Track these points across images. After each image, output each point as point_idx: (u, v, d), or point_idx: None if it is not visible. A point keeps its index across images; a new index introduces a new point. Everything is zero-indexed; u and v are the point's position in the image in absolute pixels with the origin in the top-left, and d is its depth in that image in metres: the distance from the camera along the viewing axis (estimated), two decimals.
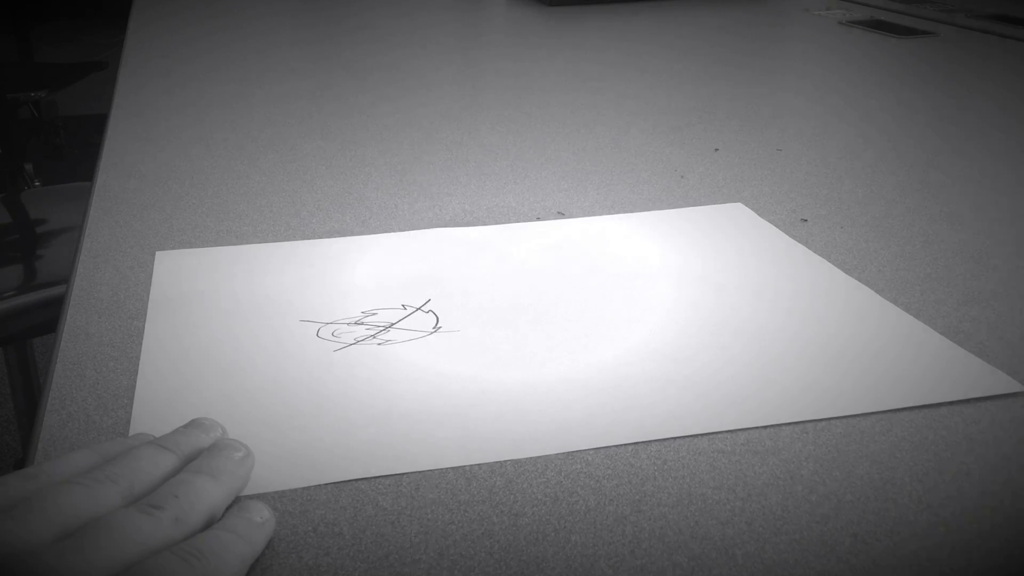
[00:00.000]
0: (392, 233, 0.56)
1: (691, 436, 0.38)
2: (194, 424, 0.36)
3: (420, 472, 0.35)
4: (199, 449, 0.35)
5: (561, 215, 0.60)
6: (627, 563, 0.31)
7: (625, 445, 0.37)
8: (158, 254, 0.53)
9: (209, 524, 0.31)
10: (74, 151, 3.01)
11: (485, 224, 0.58)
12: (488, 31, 1.26)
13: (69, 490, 0.30)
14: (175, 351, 0.43)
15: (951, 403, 0.40)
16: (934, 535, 0.32)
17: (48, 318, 1.12)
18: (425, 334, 0.45)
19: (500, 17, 1.31)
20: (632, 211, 0.60)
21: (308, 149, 0.71)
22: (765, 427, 0.38)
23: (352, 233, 0.57)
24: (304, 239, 0.56)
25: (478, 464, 0.36)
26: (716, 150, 0.72)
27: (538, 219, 0.59)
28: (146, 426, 0.38)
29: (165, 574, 0.27)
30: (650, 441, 0.37)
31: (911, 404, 0.39)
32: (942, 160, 0.71)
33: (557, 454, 0.36)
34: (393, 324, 0.46)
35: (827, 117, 0.82)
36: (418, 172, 0.67)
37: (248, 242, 0.55)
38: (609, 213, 0.60)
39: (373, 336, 0.45)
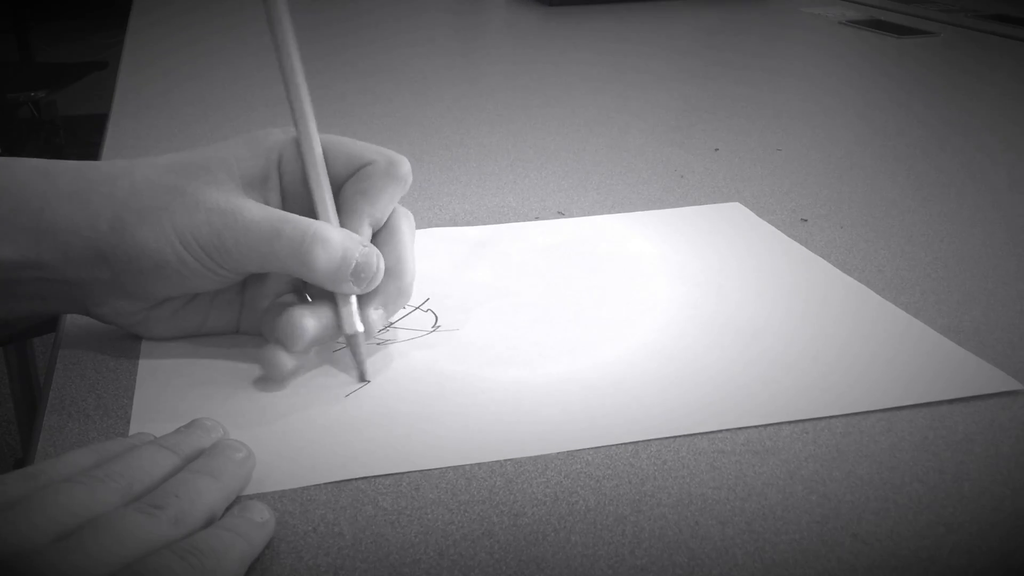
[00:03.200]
0: None
1: (691, 436, 0.38)
2: (195, 424, 0.36)
3: (420, 472, 0.35)
4: (200, 449, 0.35)
5: (561, 215, 0.60)
6: (627, 563, 0.31)
7: (625, 445, 0.37)
8: None
9: (209, 524, 0.31)
10: (74, 151, 3.01)
11: (485, 224, 0.58)
12: (488, 31, 1.26)
13: (69, 489, 0.30)
14: (175, 352, 0.43)
15: (951, 403, 0.40)
16: (934, 535, 0.32)
17: (48, 318, 1.12)
18: (424, 333, 0.45)
19: (500, 17, 1.31)
20: (632, 211, 0.60)
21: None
22: (765, 427, 0.38)
23: None
24: None
25: (478, 464, 0.36)
26: (716, 150, 0.72)
27: (537, 219, 0.59)
28: (146, 426, 0.38)
29: (163, 572, 0.27)
30: (650, 441, 0.37)
31: (911, 402, 0.40)
32: (942, 160, 0.71)
33: (557, 454, 0.36)
34: (392, 323, 0.46)
35: (827, 117, 0.82)
36: (418, 172, 0.67)
37: None
38: (609, 213, 0.60)
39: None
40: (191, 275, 0.40)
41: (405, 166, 0.44)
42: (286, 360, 0.40)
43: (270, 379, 0.41)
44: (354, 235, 0.41)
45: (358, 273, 0.40)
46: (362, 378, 0.40)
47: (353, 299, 0.41)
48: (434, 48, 1.11)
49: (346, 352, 0.43)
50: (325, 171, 0.43)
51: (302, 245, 0.39)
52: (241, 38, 1.13)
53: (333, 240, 0.40)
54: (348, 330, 0.40)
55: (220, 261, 0.40)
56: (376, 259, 0.41)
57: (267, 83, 0.90)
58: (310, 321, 0.40)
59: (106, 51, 2.87)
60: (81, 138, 3.01)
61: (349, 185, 0.43)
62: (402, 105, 0.84)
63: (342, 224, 0.42)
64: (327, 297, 0.41)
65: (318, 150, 0.43)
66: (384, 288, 0.42)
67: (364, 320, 0.41)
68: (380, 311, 0.41)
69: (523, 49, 1.11)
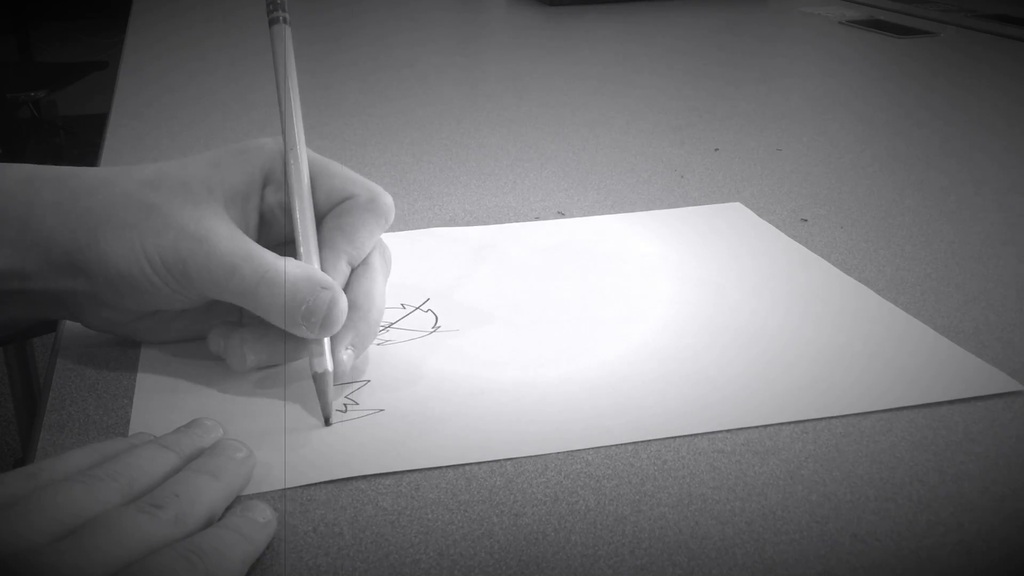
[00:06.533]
0: (391, 233, 0.56)
1: (691, 436, 0.38)
2: (195, 424, 0.36)
3: (420, 472, 0.35)
4: (200, 449, 0.35)
5: (561, 215, 0.60)
6: (627, 563, 0.31)
7: (625, 445, 0.37)
8: None
9: (209, 524, 0.31)
10: (74, 151, 3.01)
11: (485, 224, 0.58)
12: (488, 31, 1.26)
13: (69, 488, 0.30)
14: (175, 352, 0.43)
15: (951, 403, 0.40)
16: (934, 535, 0.32)
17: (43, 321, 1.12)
18: (424, 334, 0.45)
19: (500, 17, 1.31)
20: (632, 211, 0.60)
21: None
22: (765, 427, 0.38)
23: None
24: None
25: (478, 464, 0.36)
26: (716, 150, 0.72)
27: (537, 219, 0.59)
28: (146, 426, 0.38)
29: (166, 572, 0.27)
30: (650, 441, 0.37)
31: (911, 403, 0.40)
32: (942, 160, 0.71)
33: (557, 454, 0.36)
34: (392, 324, 0.46)
35: (827, 117, 0.82)
36: (418, 172, 0.67)
37: None
38: (609, 213, 0.60)
39: None
40: (158, 294, 0.39)
41: (386, 201, 0.43)
42: (248, 357, 0.40)
43: (234, 369, 0.41)
44: (314, 277, 0.39)
45: (308, 318, 0.39)
46: (326, 422, 0.38)
47: (325, 339, 0.40)
48: (434, 48, 1.11)
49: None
50: (311, 206, 0.42)
51: (252, 286, 0.39)
52: (241, 38, 1.13)
53: (281, 284, 0.39)
54: (317, 368, 0.39)
55: (184, 284, 0.39)
56: (328, 305, 0.39)
57: (266, 84, 0.90)
58: (249, 354, 0.40)
59: (106, 51, 2.87)
60: (81, 138, 3.01)
61: (329, 219, 0.42)
62: (402, 105, 0.84)
63: (321, 259, 0.41)
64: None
65: (306, 184, 0.42)
66: (354, 326, 0.40)
67: (334, 361, 0.39)
68: (351, 351, 0.40)
69: (523, 49, 1.11)
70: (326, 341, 0.40)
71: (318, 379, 0.39)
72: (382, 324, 0.46)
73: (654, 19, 1.27)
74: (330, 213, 0.43)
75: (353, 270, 0.42)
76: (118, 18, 1.44)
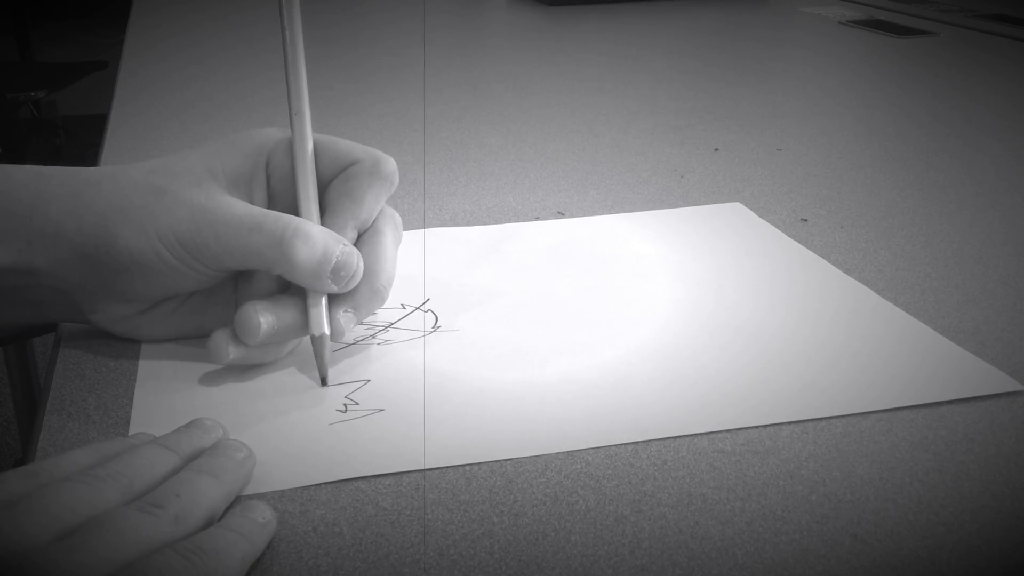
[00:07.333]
0: None
1: (691, 436, 0.38)
2: (195, 424, 0.36)
3: (420, 472, 0.35)
4: (200, 449, 0.35)
5: (561, 215, 0.60)
6: (627, 563, 0.31)
7: (625, 445, 0.37)
8: None
9: (209, 524, 0.31)
10: (74, 151, 3.01)
11: (485, 224, 0.58)
12: (488, 31, 1.26)
13: (70, 488, 0.30)
14: (174, 352, 0.43)
15: (951, 403, 0.40)
16: (934, 535, 0.32)
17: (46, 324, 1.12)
18: (424, 334, 0.45)
19: (500, 17, 1.31)
20: (632, 211, 0.60)
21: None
22: (765, 427, 0.38)
23: None
24: None
25: (478, 464, 0.36)
26: (716, 150, 0.72)
27: (537, 219, 0.59)
28: (146, 426, 0.38)
29: (165, 571, 0.28)
30: (650, 441, 0.37)
31: (910, 402, 0.40)
32: (942, 160, 0.71)
33: (557, 454, 0.36)
34: (392, 324, 0.46)
35: (827, 117, 0.82)
36: (418, 172, 0.67)
37: None
38: (609, 213, 0.60)
39: (372, 336, 0.45)
40: (172, 274, 0.40)
41: (390, 165, 0.44)
42: (228, 349, 0.40)
43: (215, 362, 0.41)
44: (335, 234, 0.41)
45: (337, 271, 0.40)
46: (323, 382, 0.40)
47: (323, 300, 0.41)
48: (434, 48, 1.11)
49: (347, 351, 0.43)
50: (314, 171, 0.43)
51: (283, 239, 0.39)
52: (241, 38, 1.13)
53: (314, 236, 0.40)
54: (315, 331, 0.40)
55: (199, 257, 0.40)
56: (356, 260, 0.41)
57: (267, 84, 0.90)
58: (264, 317, 0.40)
59: (106, 51, 2.87)
60: (81, 138, 3.01)
61: (335, 185, 0.43)
62: (402, 105, 0.84)
63: (327, 225, 0.42)
64: (299, 295, 0.41)
65: (309, 149, 0.43)
66: (357, 290, 0.41)
67: (332, 322, 0.41)
68: (350, 314, 0.41)
69: (523, 49, 1.11)
70: (324, 304, 0.40)
71: (315, 341, 0.40)
72: (382, 324, 0.46)
73: (654, 19, 1.27)
74: (335, 179, 0.43)
75: (360, 236, 0.43)
76: (118, 18, 1.44)
